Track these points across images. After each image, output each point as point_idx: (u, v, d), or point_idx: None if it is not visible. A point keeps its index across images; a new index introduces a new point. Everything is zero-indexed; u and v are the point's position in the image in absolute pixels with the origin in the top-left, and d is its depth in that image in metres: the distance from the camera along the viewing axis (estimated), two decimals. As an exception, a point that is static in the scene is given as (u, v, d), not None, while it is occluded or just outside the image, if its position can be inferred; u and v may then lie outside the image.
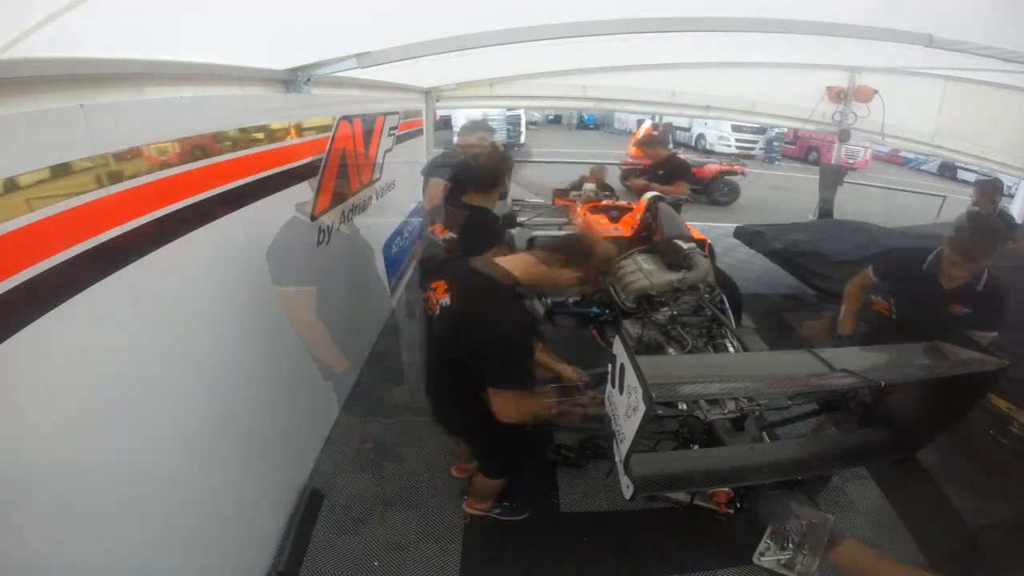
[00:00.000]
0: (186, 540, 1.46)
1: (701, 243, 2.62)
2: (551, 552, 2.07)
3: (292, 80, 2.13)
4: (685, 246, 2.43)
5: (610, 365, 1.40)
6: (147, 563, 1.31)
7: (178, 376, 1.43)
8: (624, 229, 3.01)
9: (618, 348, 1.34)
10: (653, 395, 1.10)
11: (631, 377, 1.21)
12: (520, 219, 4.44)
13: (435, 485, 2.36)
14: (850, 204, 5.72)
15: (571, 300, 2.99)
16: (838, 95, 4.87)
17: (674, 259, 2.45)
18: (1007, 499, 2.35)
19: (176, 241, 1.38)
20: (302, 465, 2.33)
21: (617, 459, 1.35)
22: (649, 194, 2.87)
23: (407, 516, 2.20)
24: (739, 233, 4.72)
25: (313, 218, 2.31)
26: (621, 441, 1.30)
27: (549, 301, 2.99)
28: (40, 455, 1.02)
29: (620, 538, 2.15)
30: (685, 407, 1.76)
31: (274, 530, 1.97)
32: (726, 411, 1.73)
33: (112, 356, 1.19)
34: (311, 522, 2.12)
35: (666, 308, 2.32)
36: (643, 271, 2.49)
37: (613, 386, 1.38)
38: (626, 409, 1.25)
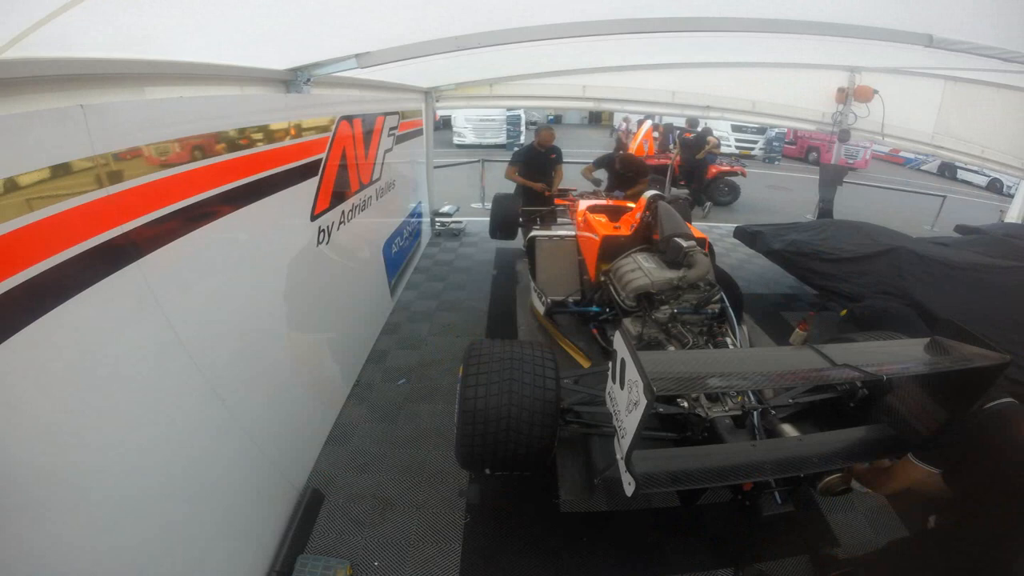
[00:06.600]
0: (186, 540, 1.46)
1: (701, 242, 2.61)
2: (551, 552, 2.07)
3: (292, 80, 2.14)
4: (685, 244, 2.42)
5: (611, 362, 1.40)
6: (147, 562, 1.31)
7: (179, 376, 1.43)
8: (624, 228, 3.00)
9: (619, 343, 1.33)
10: (654, 388, 1.09)
11: (632, 372, 1.20)
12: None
13: (435, 485, 2.36)
14: (851, 203, 5.74)
15: (571, 299, 2.98)
16: (843, 94, 4.88)
17: (674, 257, 2.45)
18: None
19: (176, 241, 1.38)
20: (302, 465, 2.33)
21: (619, 456, 1.34)
22: (649, 192, 2.87)
23: (407, 516, 2.20)
24: (739, 233, 4.72)
25: (313, 218, 2.31)
26: (622, 437, 1.30)
27: (549, 300, 2.99)
28: (40, 455, 1.02)
29: (620, 538, 2.14)
30: (686, 405, 1.76)
31: (274, 530, 1.97)
32: (727, 408, 1.73)
33: (113, 356, 1.19)
34: (311, 522, 2.12)
35: (666, 306, 2.31)
36: (643, 269, 2.48)
37: (614, 381, 1.38)
38: (627, 404, 1.24)
